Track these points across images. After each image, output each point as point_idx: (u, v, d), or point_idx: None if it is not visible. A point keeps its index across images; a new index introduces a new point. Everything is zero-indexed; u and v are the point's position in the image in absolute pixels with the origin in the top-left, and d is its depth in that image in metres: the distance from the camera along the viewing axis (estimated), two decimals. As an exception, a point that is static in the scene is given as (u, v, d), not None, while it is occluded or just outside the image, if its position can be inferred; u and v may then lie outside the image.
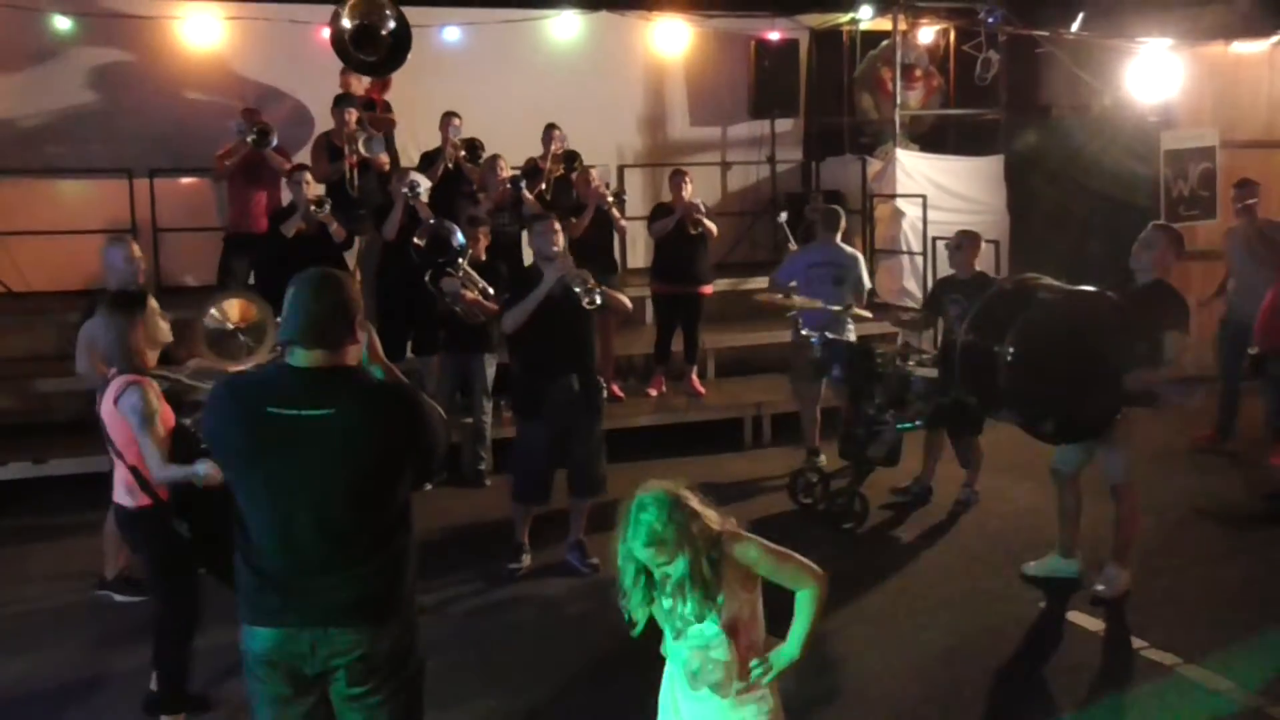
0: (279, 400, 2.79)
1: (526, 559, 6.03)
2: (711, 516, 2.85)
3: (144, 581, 5.00)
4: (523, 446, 6.01)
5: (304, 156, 8.62)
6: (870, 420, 6.52)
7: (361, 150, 8.25)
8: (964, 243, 6.96)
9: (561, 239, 5.84)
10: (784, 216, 9.21)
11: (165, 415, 4.11)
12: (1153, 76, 9.99)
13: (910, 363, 6.62)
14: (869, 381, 6.55)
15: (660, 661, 3.04)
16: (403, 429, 2.86)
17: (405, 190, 7.61)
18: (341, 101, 8.33)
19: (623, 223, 8.68)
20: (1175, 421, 7.69)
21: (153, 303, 4.31)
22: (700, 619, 2.85)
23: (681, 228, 8.41)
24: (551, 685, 4.76)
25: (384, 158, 8.49)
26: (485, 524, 6.77)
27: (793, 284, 7.42)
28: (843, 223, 7.67)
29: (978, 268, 6.97)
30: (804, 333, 7.07)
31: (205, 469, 3.90)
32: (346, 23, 7.82)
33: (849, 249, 7.64)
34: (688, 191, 8.48)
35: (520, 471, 6.02)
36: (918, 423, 6.52)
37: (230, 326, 4.83)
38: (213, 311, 4.84)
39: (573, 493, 6.00)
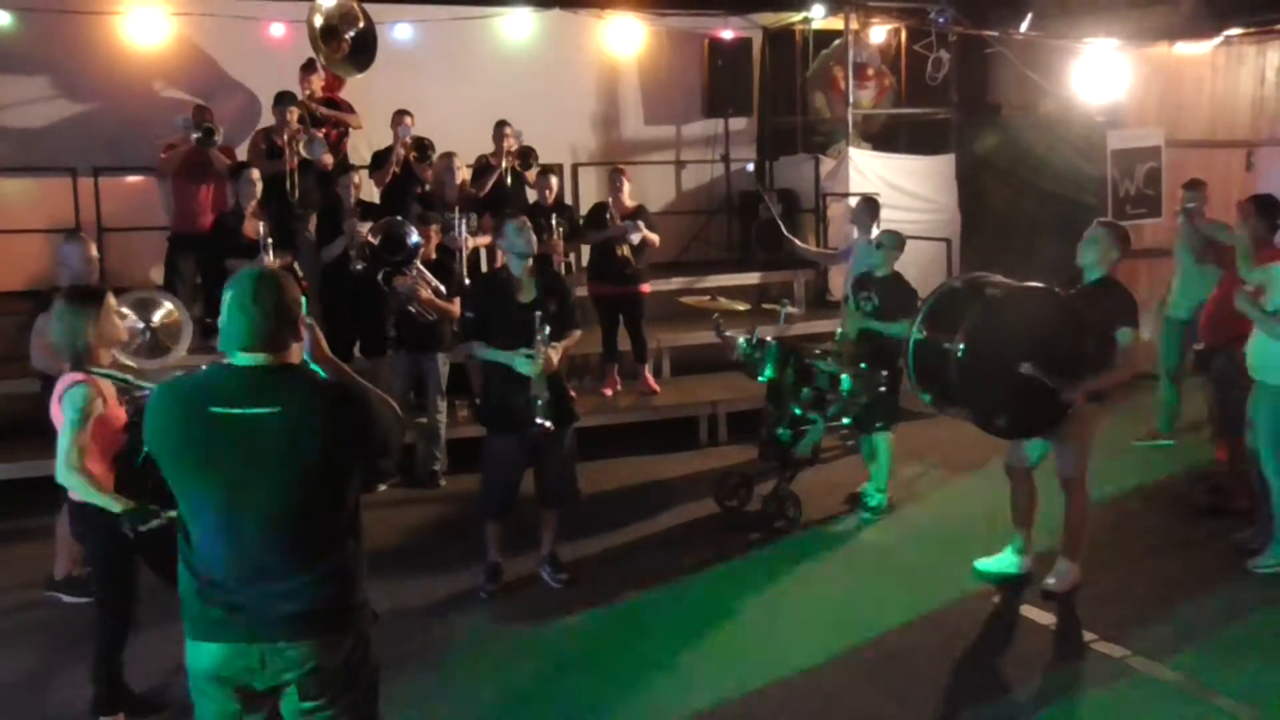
0: (224, 399, 2.72)
1: (500, 580, 5.74)
2: None
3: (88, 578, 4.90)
4: (489, 460, 5.70)
5: (244, 154, 8.51)
6: (799, 420, 6.49)
7: (302, 152, 8.13)
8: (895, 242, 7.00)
9: (534, 239, 5.58)
10: (780, 210, 9.89)
11: (114, 417, 4.02)
12: (1099, 77, 10.12)
13: (837, 361, 6.51)
14: (800, 380, 6.49)
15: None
16: (352, 427, 2.81)
17: (344, 246, 7.42)
18: (283, 99, 8.20)
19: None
20: (1121, 417, 7.79)
21: (111, 300, 4.21)
22: None
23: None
24: (505, 691, 4.72)
25: (327, 158, 8.30)
26: (440, 526, 6.71)
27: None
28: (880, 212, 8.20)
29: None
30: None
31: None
32: (319, 19, 7.88)
33: None
34: (625, 193, 8.43)
35: (485, 486, 5.73)
36: (846, 420, 6.51)
37: (141, 325, 4.76)
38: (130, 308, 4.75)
39: (543, 504, 5.78)
